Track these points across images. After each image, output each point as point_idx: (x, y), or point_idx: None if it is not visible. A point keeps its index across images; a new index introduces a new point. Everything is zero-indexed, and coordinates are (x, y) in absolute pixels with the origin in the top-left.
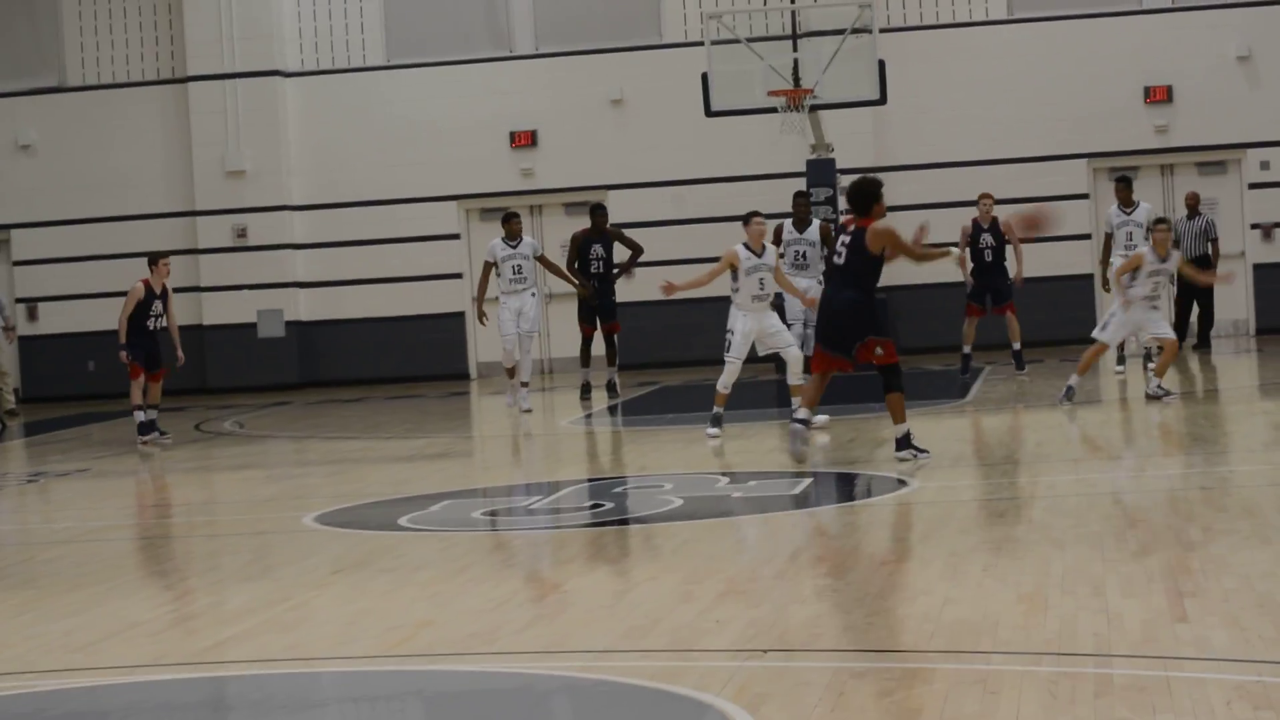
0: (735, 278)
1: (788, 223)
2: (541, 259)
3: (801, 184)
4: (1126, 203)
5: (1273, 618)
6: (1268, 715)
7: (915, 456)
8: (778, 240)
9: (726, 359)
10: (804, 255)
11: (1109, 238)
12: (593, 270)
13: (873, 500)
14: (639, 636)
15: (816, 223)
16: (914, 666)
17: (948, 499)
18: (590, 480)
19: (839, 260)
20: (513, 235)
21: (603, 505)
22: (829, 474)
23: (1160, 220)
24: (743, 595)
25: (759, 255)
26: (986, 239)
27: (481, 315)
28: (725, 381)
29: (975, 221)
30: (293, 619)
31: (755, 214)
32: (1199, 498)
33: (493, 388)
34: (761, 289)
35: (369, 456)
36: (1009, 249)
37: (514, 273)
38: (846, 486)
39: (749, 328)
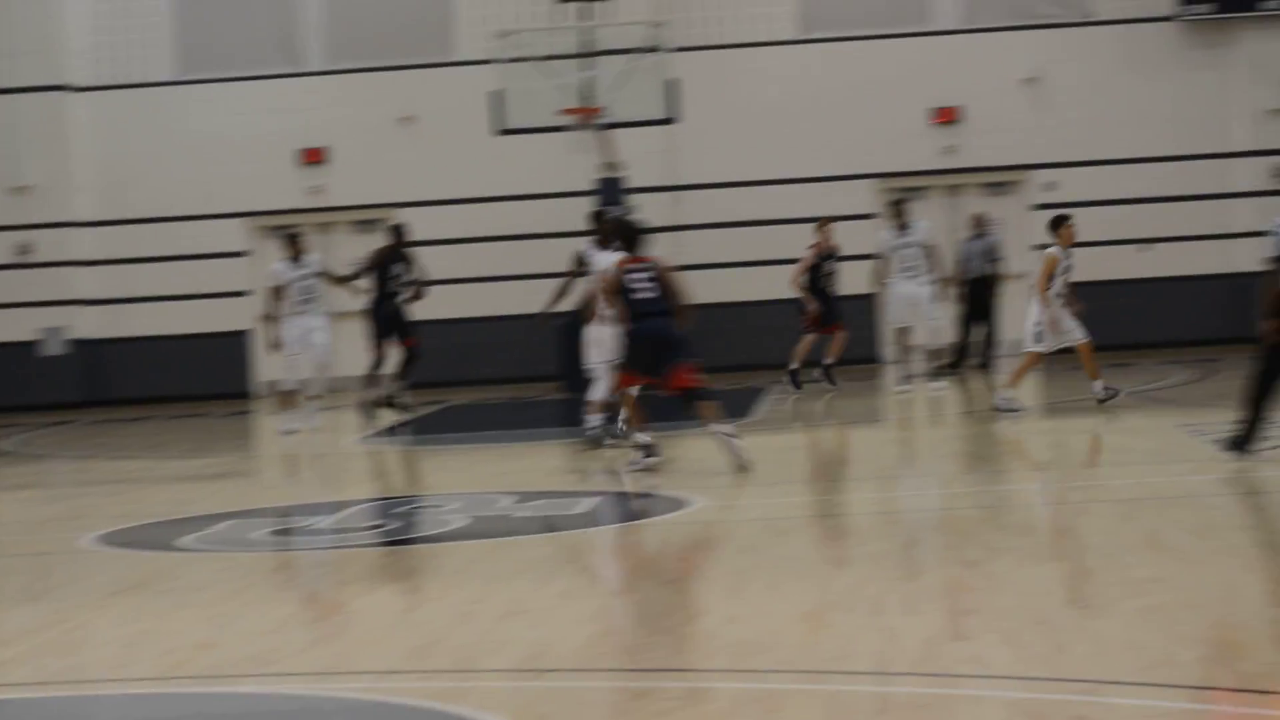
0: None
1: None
2: (326, 274)
3: (585, 204)
4: (901, 226)
5: (1050, 635)
6: None
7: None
8: (581, 264)
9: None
10: None
11: (885, 260)
12: (389, 290)
13: (657, 519)
14: (421, 657)
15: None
16: (695, 686)
17: (731, 518)
18: (374, 500)
19: (651, 294)
20: (296, 255)
21: (386, 525)
22: (615, 493)
23: (1063, 217)
24: (525, 615)
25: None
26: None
27: (275, 342)
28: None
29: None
30: (72, 641)
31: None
32: (978, 516)
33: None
34: (306, 295)
35: (151, 476)
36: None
37: (301, 294)
38: (630, 506)
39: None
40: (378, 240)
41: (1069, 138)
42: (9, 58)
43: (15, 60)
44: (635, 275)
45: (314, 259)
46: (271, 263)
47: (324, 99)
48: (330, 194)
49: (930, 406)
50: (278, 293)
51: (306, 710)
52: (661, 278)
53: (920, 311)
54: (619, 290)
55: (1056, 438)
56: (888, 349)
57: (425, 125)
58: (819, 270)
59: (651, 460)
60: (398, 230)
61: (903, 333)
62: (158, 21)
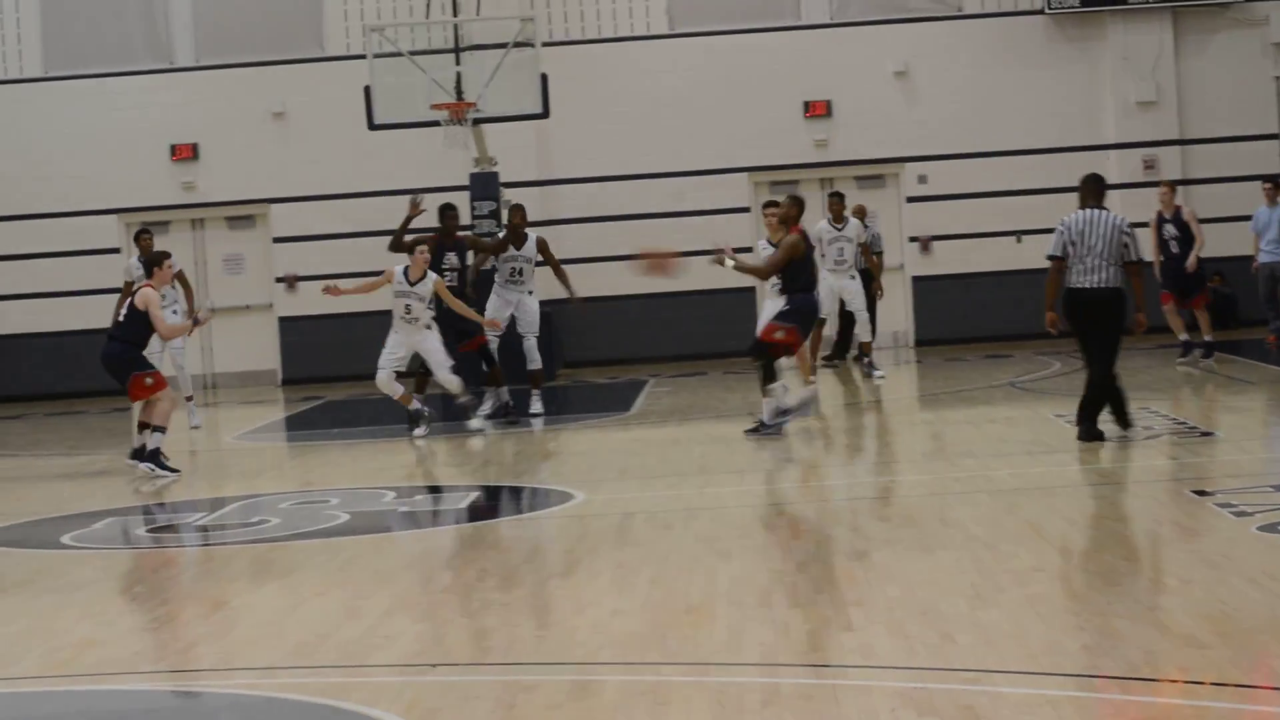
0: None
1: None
2: (179, 275)
3: (464, 198)
4: (838, 218)
5: (935, 625)
6: None
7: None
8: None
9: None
10: (520, 271)
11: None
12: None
13: (540, 513)
14: (307, 653)
15: (533, 237)
16: (584, 679)
17: (615, 511)
18: (256, 496)
19: None
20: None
21: (269, 521)
22: (497, 487)
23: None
24: (411, 610)
25: (411, 284)
26: (1169, 229)
27: None
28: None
29: (1159, 214)
30: None
31: (419, 244)
32: (862, 508)
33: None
34: (407, 313)
35: (29, 474)
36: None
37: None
38: (514, 499)
39: (397, 341)
40: (250, 237)
41: (940, 131)
42: None
43: None
44: None
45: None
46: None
47: (194, 94)
48: (202, 190)
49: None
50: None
51: (194, 707)
52: None
53: (850, 304)
54: None
55: (935, 429)
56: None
57: (297, 121)
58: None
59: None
60: (448, 213)
61: (820, 323)
62: (24, 18)
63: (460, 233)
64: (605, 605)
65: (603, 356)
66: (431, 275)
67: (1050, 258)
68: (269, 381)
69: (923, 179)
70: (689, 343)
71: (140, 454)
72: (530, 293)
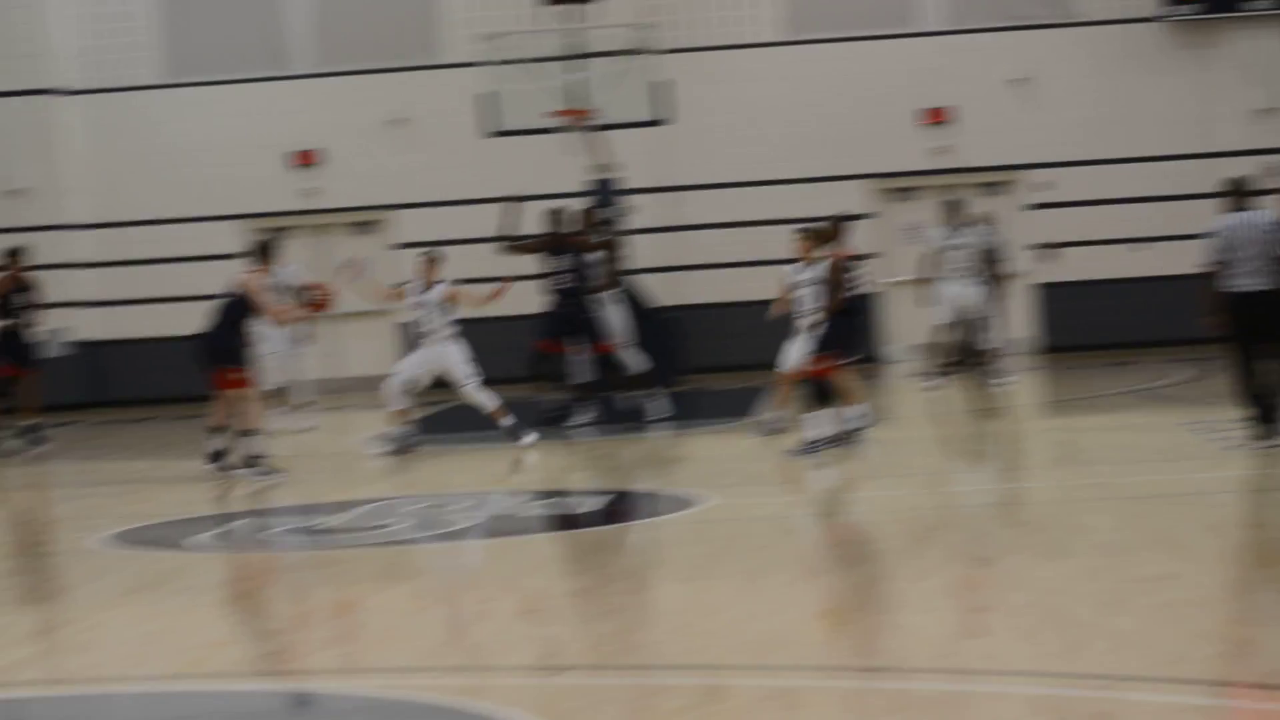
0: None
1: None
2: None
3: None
4: (954, 225)
5: (1064, 632)
6: None
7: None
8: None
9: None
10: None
11: (931, 258)
12: (560, 284)
13: (667, 517)
14: (438, 654)
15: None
16: (713, 682)
17: (741, 516)
18: (385, 499)
19: None
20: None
21: (398, 524)
22: (624, 491)
23: (800, 229)
24: (540, 613)
25: (423, 292)
26: None
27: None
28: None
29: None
30: (86, 640)
31: (421, 254)
32: (991, 514)
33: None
34: (419, 326)
35: (158, 476)
36: None
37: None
38: (641, 504)
39: (419, 358)
40: (371, 243)
41: (1058, 139)
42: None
43: (4, 65)
44: None
45: (291, 269)
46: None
47: (313, 102)
48: (323, 196)
49: (939, 405)
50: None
51: (324, 708)
52: None
53: (970, 312)
54: None
55: (1064, 435)
56: (891, 347)
57: (415, 127)
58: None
59: None
60: (557, 217)
61: (941, 330)
62: (146, 26)
63: (573, 238)
64: (735, 609)
65: (727, 362)
66: (440, 285)
67: (1205, 263)
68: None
69: (1043, 186)
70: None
71: (215, 458)
72: (610, 303)
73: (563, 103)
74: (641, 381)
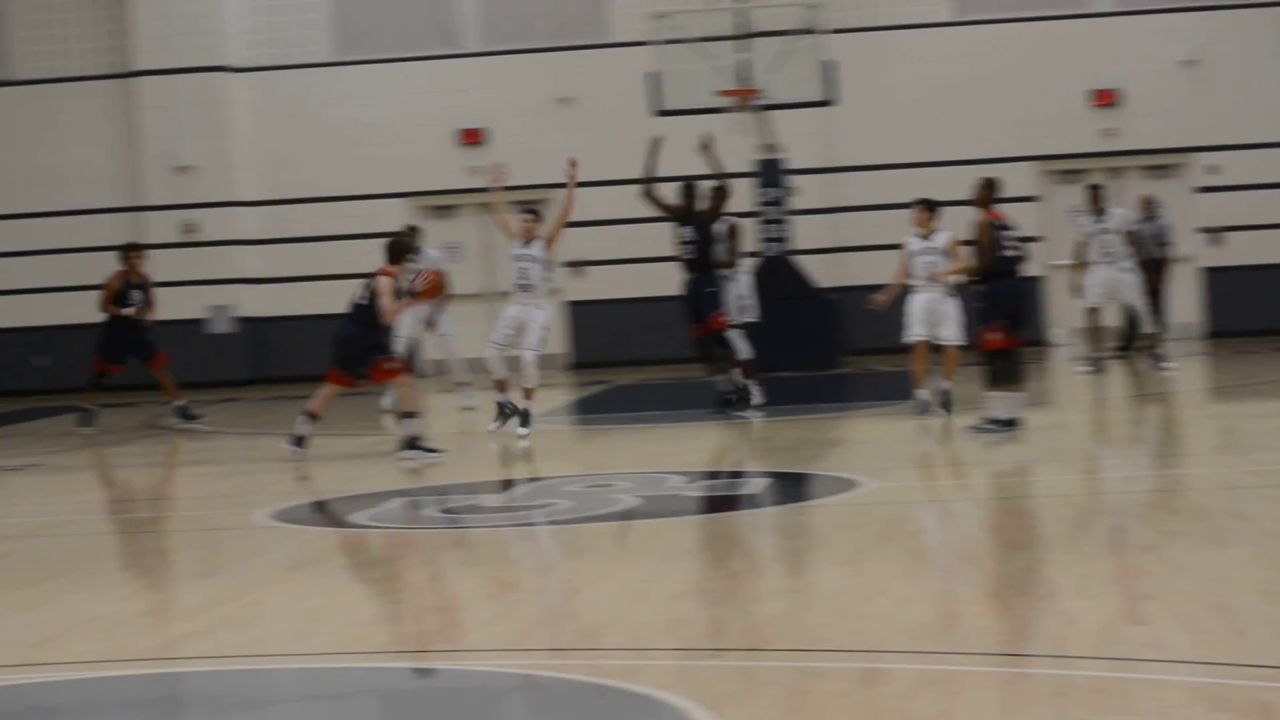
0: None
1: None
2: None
3: (749, 185)
4: (1098, 210)
5: (1228, 620)
6: (1224, 717)
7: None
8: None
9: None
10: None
11: (1081, 244)
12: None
13: (827, 500)
14: (597, 635)
15: (728, 222)
16: (873, 666)
17: (902, 500)
18: (545, 479)
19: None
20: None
21: (557, 503)
22: (783, 473)
23: (921, 200)
24: (699, 594)
25: (526, 245)
26: None
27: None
28: (493, 371)
29: None
30: (248, 616)
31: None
32: (1153, 501)
33: (440, 385)
34: (524, 279)
35: (321, 453)
36: None
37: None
38: (799, 487)
39: (512, 315)
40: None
41: (1230, 120)
42: (170, 39)
43: (176, 41)
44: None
45: (431, 254)
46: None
47: (482, 80)
48: (485, 176)
49: (1101, 389)
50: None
51: (483, 686)
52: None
53: (1122, 297)
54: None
55: (1227, 422)
56: (1056, 331)
57: (583, 106)
58: None
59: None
60: (688, 192)
61: (1093, 314)
62: (316, 3)
63: (698, 209)
64: (894, 593)
65: (889, 344)
66: (541, 238)
67: None
68: (558, 365)
69: (1213, 169)
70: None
71: (298, 442)
72: (732, 281)
73: (730, 82)
74: (745, 369)
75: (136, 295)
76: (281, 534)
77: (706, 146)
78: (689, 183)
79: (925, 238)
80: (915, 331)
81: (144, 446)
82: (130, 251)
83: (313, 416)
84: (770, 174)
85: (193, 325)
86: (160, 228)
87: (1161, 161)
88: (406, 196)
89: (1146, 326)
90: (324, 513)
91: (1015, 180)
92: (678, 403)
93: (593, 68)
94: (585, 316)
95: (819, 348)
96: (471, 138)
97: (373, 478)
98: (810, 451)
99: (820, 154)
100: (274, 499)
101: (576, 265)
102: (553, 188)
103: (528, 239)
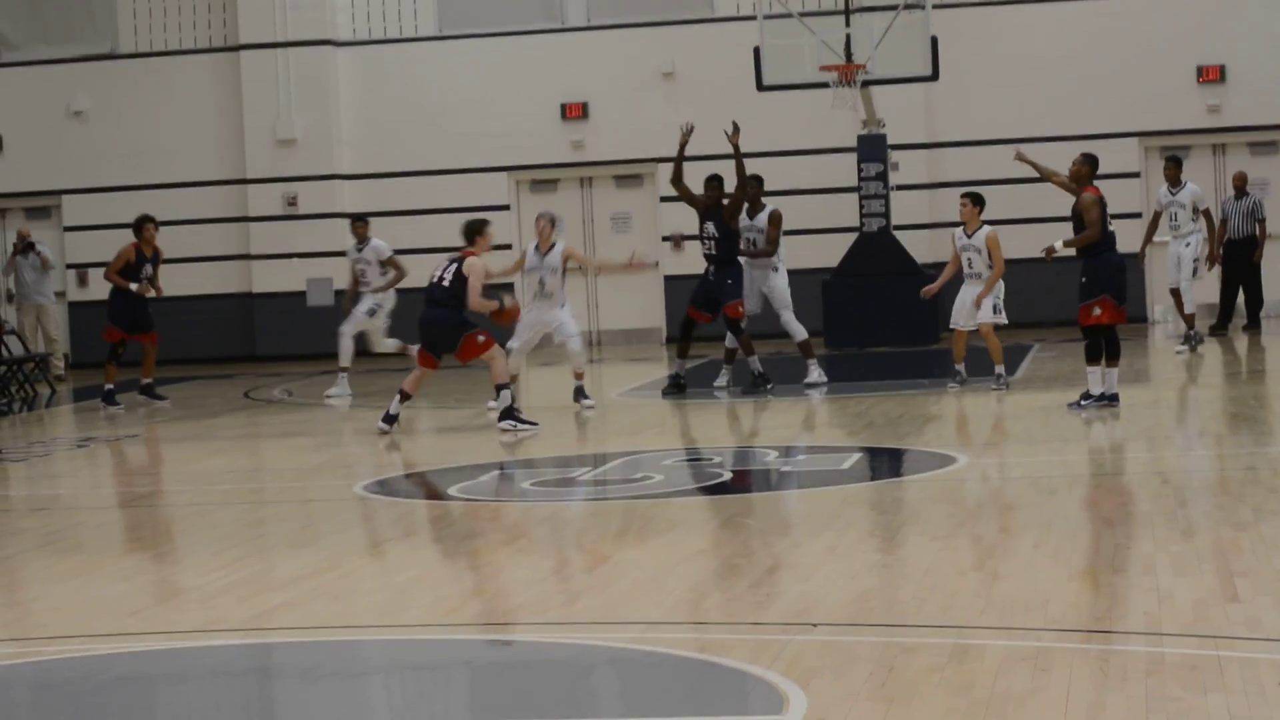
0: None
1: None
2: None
3: (851, 160)
4: (1174, 182)
5: None
6: None
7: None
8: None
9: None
10: (754, 242)
11: (1156, 216)
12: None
13: (922, 475)
14: (689, 609)
15: (768, 209)
16: (964, 642)
17: (997, 476)
18: (639, 452)
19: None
20: (361, 238)
21: (652, 478)
22: (878, 449)
23: (964, 194)
24: (793, 569)
25: (543, 256)
26: None
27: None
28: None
29: None
30: (341, 587)
31: (539, 217)
32: (1248, 478)
33: (541, 358)
34: (541, 288)
35: (417, 426)
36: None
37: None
38: (895, 462)
39: (531, 319)
40: (638, 196)
41: None
42: (277, 12)
43: (283, 15)
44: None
45: (375, 244)
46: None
47: (585, 54)
48: (590, 149)
49: (1196, 367)
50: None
51: (578, 659)
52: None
53: (1183, 270)
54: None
55: None
56: (1156, 309)
57: (686, 81)
58: None
59: None
60: (712, 183)
61: (1175, 293)
62: None
63: (725, 200)
64: (987, 569)
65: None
66: (560, 244)
67: None
68: (654, 340)
69: None
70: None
71: (389, 420)
72: (775, 269)
73: (834, 57)
74: (803, 349)
75: (148, 269)
76: (376, 506)
77: (732, 138)
78: (713, 175)
79: (970, 235)
80: (954, 321)
81: (241, 419)
82: (145, 224)
83: (405, 396)
84: (871, 149)
85: (294, 298)
86: (262, 200)
87: (1266, 138)
88: (508, 170)
89: (1188, 306)
90: (418, 485)
91: (1119, 157)
92: (774, 379)
93: (696, 42)
94: (683, 290)
95: (918, 323)
96: (574, 112)
97: (470, 450)
98: (906, 427)
99: (921, 129)
100: (370, 471)
101: (673, 239)
102: (654, 162)
103: (545, 248)
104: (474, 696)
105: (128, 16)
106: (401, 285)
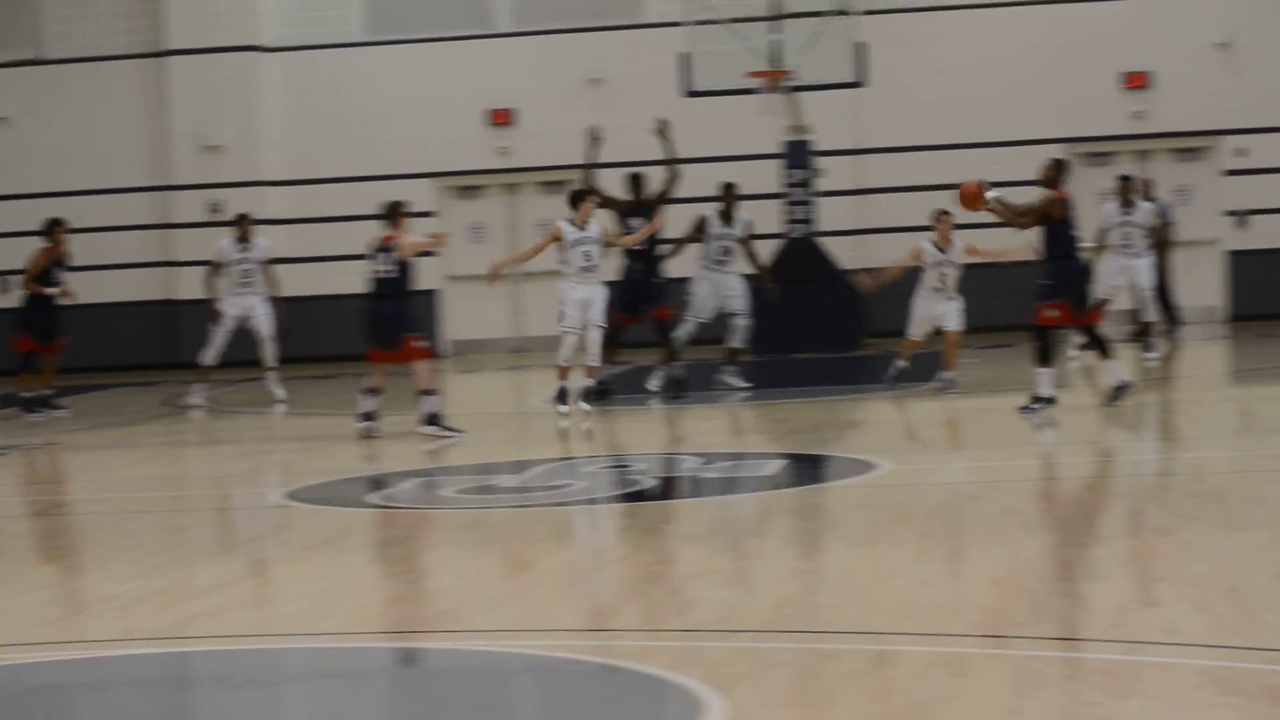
0: (562, 251)
1: (714, 215)
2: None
3: (771, 167)
4: (1126, 203)
5: (1242, 604)
6: (1235, 700)
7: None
8: (700, 232)
9: (562, 330)
10: (728, 250)
11: (1103, 233)
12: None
13: (843, 482)
14: (609, 616)
15: (743, 219)
16: (884, 648)
17: (918, 482)
18: (561, 460)
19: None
20: (245, 237)
21: (574, 484)
22: (800, 456)
23: (943, 212)
24: (712, 575)
25: (582, 229)
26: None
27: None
28: (564, 355)
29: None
30: (262, 595)
31: (583, 195)
32: (1168, 484)
33: (465, 365)
34: (588, 260)
35: (339, 433)
36: None
37: (240, 276)
38: (817, 468)
39: (579, 297)
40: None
41: (1262, 103)
42: (203, 18)
43: (209, 21)
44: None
45: (262, 244)
46: (470, 217)
47: (513, 60)
48: (517, 155)
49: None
50: (217, 270)
51: (494, 667)
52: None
53: (1138, 282)
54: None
55: (1246, 405)
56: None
57: (613, 87)
58: None
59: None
60: (636, 183)
61: (1103, 304)
62: None
63: (645, 199)
64: (907, 575)
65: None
66: (595, 223)
67: None
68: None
69: (1242, 152)
70: (996, 314)
71: (367, 418)
72: (738, 274)
73: (761, 63)
74: (731, 355)
75: (59, 272)
76: (298, 514)
77: (662, 131)
78: (635, 173)
79: (943, 250)
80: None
81: (162, 426)
82: (55, 228)
83: (374, 391)
84: (798, 155)
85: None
86: (187, 207)
87: (1190, 144)
88: (434, 177)
89: (1147, 315)
90: (340, 492)
91: (1042, 162)
92: (694, 384)
93: (624, 48)
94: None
95: (841, 329)
96: (501, 118)
97: (391, 458)
98: (829, 433)
99: (848, 136)
100: (291, 479)
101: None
102: (579, 168)
103: (584, 222)
104: (393, 705)
105: (53, 22)
106: (311, 293)
